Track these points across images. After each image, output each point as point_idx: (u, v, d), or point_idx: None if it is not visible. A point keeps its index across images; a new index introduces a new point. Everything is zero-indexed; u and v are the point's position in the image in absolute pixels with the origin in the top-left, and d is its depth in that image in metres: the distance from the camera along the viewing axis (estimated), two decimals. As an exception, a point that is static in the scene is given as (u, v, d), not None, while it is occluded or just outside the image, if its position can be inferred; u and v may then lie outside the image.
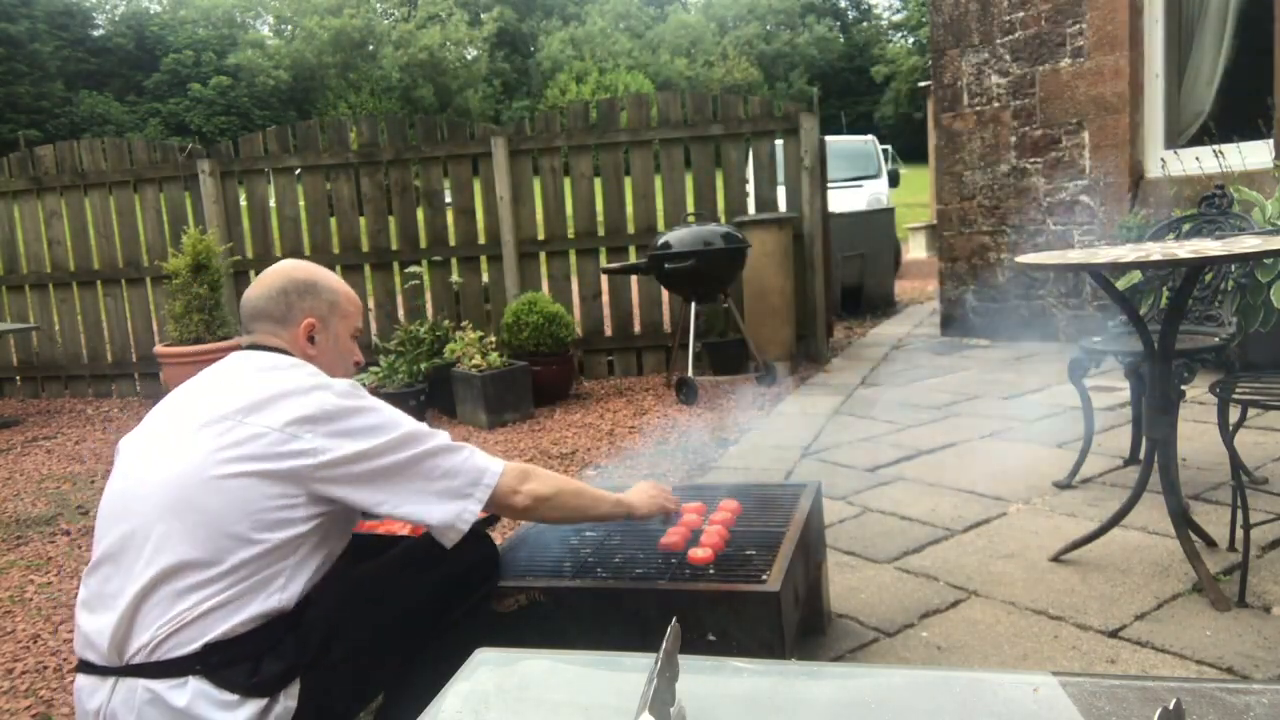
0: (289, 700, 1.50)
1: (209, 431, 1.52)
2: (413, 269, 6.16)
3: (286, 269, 1.77)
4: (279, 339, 1.72)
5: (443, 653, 1.62)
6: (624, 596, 1.86)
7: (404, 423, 1.61)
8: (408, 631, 1.67)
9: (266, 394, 1.55)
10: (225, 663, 1.46)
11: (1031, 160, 6.23)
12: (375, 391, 5.04)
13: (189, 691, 1.44)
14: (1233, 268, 3.40)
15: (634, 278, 6.00)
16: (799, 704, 0.94)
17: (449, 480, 1.62)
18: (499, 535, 3.18)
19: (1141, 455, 3.08)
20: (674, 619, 0.93)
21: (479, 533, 1.83)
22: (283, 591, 1.51)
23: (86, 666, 1.53)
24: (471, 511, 1.64)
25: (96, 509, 4.02)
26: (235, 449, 1.50)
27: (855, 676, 1.15)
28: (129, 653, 1.47)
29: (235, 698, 1.45)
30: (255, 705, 1.46)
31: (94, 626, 1.51)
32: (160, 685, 1.45)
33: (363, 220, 6.57)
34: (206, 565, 1.46)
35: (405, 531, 2.03)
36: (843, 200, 9.14)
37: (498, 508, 1.69)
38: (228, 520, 1.47)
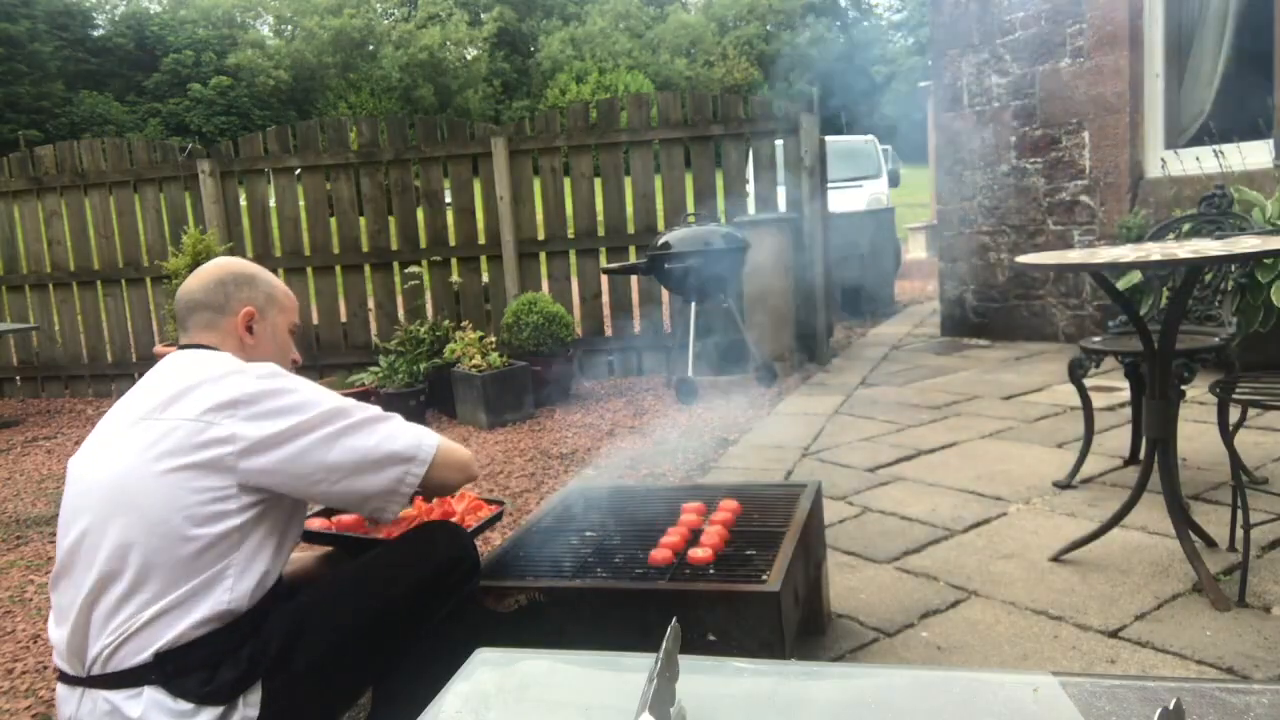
0: (248, 709, 1.46)
1: (133, 432, 1.50)
2: (413, 269, 6.16)
3: (223, 263, 1.75)
4: (215, 332, 1.67)
5: (433, 654, 1.62)
6: (624, 596, 1.86)
7: (327, 399, 1.55)
8: (380, 637, 1.62)
9: (181, 385, 1.51)
10: (179, 671, 1.43)
11: (1031, 160, 6.23)
12: (375, 391, 5.05)
13: (143, 702, 1.42)
14: (1233, 268, 3.40)
15: (634, 278, 6.00)
16: (799, 704, 0.94)
17: (384, 446, 1.56)
18: (499, 535, 3.18)
19: (1141, 455, 3.08)
20: (674, 619, 0.93)
21: (457, 532, 1.82)
22: (231, 591, 1.46)
23: (61, 675, 1.52)
24: (415, 475, 1.59)
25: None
26: (156, 446, 1.46)
27: (855, 676, 1.15)
28: (87, 663, 1.46)
29: (190, 706, 1.42)
30: (211, 713, 1.43)
31: (57, 637, 1.51)
32: (117, 696, 1.43)
33: (363, 220, 6.57)
34: (145, 568, 1.43)
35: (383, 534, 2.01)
36: (843, 200, 9.14)
37: (437, 475, 1.63)
38: (161, 519, 1.43)
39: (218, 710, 1.44)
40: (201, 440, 1.45)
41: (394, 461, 1.57)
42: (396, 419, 1.62)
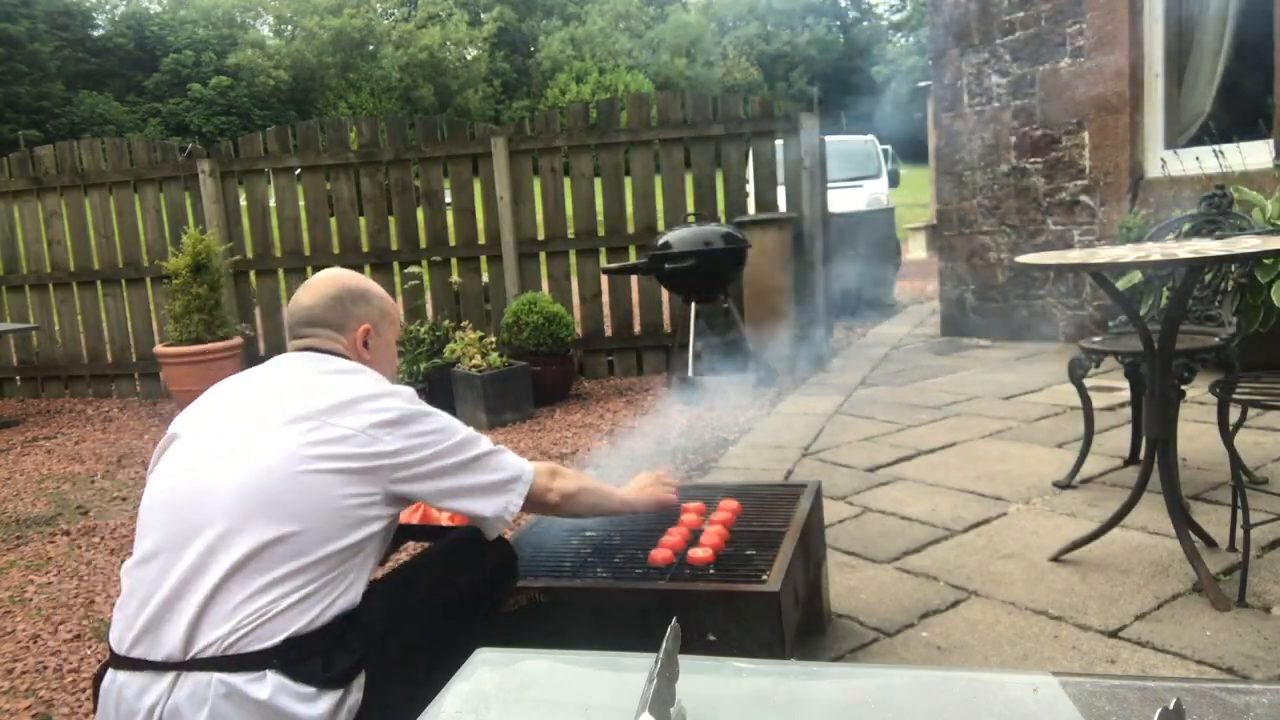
0: (358, 692, 1.55)
1: (292, 430, 1.56)
2: (413, 269, 6.16)
3: (339, 277, 1.85)
4: (336, 344, 1.78)
5: (432, 654, 1.64)
6: (624, 596, 1.87)
7: (460, 427, 1.74)
8: (447, 626, 1.73)
9: (346, 397, 1.62)
10: (301, 657, 1.48)
11: (1031, 160, 6.23)
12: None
13: (269, 685, 1.45)
14: (1233, 268, 3.40)
15: (634, 278, 6.00)
16: (799, 704, 0.94)
17: (495, 477, 1.75)
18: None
19: (1141, 455, 3.09)
20: (674, 619, 0.93)
21: (500, 536, 1.90)
22: (351, 589, 1.57)
23: (132, 663, 1.49)
24: (515, 505, 1.77)
25: (96, 509, 4.02)
26: (321, 448, 1.55)
27: (855, 676, 1.15)
28: (198, 646, 1.46)
29: (313, 690, 1.48)
30: (331, 698, 1.50)
31: (150, 619, 1.49)
32: (238, 679, 1.44)
33: (363, 220, 6.57)
34: (296, 557, 1.50)
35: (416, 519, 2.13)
36: (843, 200, 9.14)
37: (532, 503, 1.82)
38: (313, 515, 1.52)
39: (337, 694, 1.51)
40: (369, 451, 1.58)
41: (503, 490, 1.77)
42: (507, 452, 1.84)
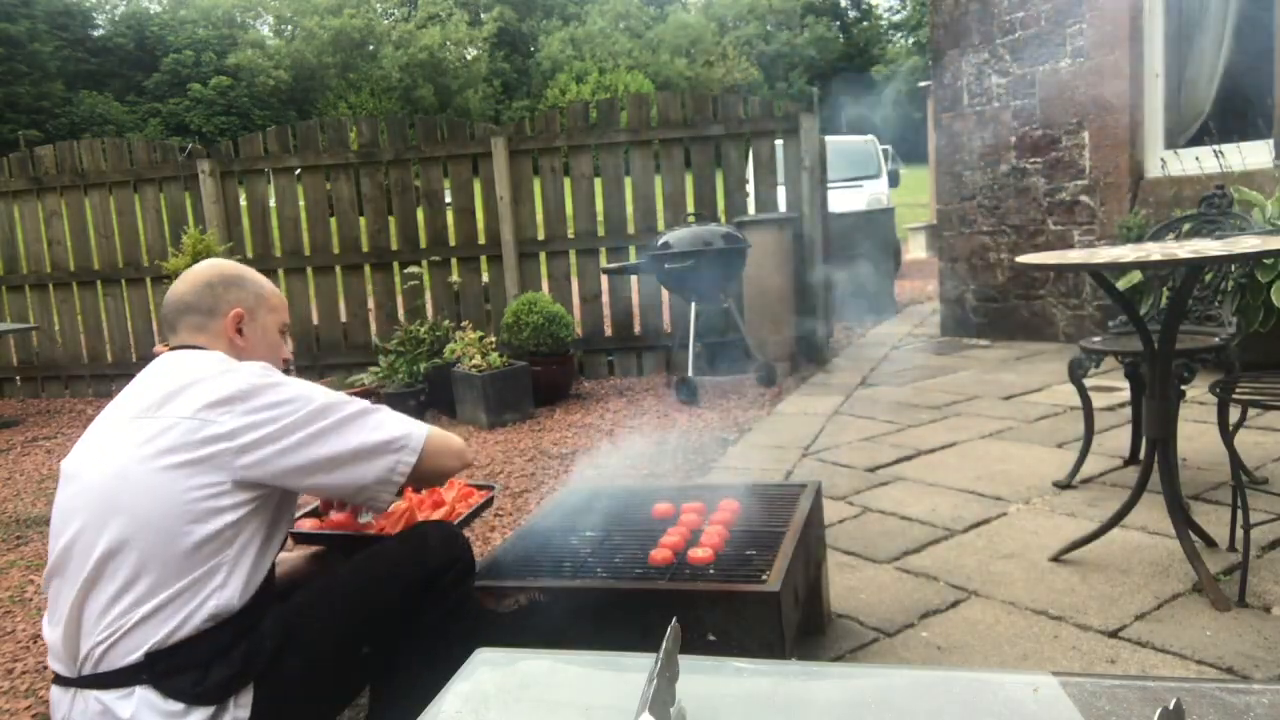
0: (239, 710, 1.47)
1: (127, 431, 1.51)
2: (413, 269, 6.16)
3: (212, 264, 1.76)
4: (205, 334, 1.68)
5: (432, 654, 1.62)
6: (624, 596, 1.86)
7: (318, 393, 1.58)
8: (374, 638, 1.63)
9: (176, 384, 1.52)
10: (171, 671, 1.43)
11: (1031, 160, 6.23)
12: (375, 391, 5.05)
13: (135, 701, 1.42)
14: (1233, 268, 3.40)
15: (634, 278, 6.00)
16: (799, 704, 0.94)
17: (375, 437, 1.59)
18: (499, 535, 3.18)
19: (1141, 455, 3.09)
20: (674, 619, 0.93)
21: (451, 533, 1.82)
22: (223, 589, 1.47)
23: (56, 676, 1.52)
24: (406, 463, 1.61)
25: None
26: (151, 444, 1.46)
27: (855, 676, 1.15)
28: (79, 662, 1.46)
29: (181, 706, 1.42)
30: (202, 714, 1.43)
31: (51, 637, 1.51)
32: (109, 696, 1.43)
33: (363, 220, 6.57)
34: (138, 565, 1.43)
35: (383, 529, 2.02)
36: (843, 200, 9.14)
37: (430, 463, 1.64)
38: (154, 516, 1.43)
39: (209, 710, 1.44)
40: (199, 437, 1.46)
41: (385, 451, 1.59)
42: (385, 410, 1.64)
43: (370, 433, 1.58)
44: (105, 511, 1.46)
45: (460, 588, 1.76)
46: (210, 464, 1.46)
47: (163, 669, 1.43)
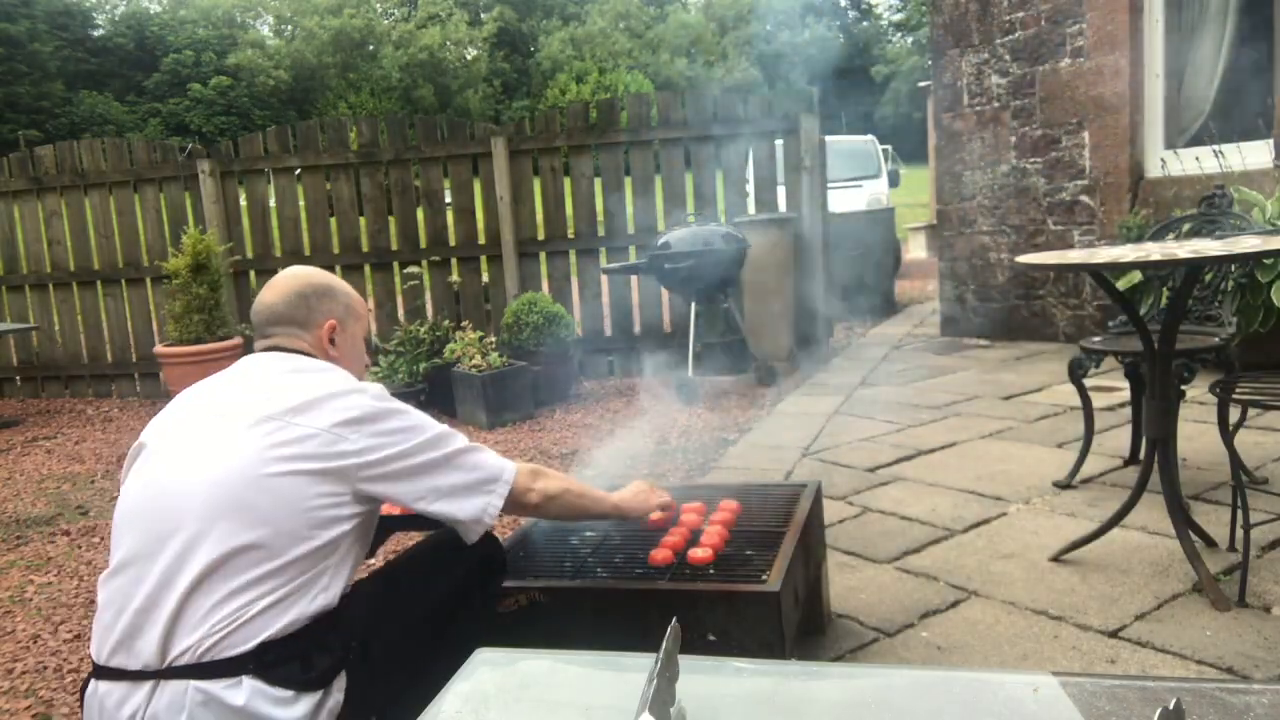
0: (338, 693, 1.54)
1: (256, 432, 1.54)
2: (413, 269, 6.16)
3: (301, 274, 1.81)
4: (301, 342, 1.75)
5: (432, 654, 1.63)
6: (624, 596, 1.87)
7: (431, 424, 1.69)
8: (433, 625, 1.73)
9: (310, 396, 1.59)
10: (278, 660, 1.47)
11: (1031, 160, 6.23)
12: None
13: (245, 690, 1.44)
14: (1233, 268, 3.40)
15: (634, 278, 6.00)
16: (799, 704, 0.94)
17: (473, 476, 1.69)
18: (499, 535, 3.18)
19: (1141, 455, 3.08)
20: (674, 619, 0.93)
21: (490, 530, 1.87)
22: (327, 590, 1.55)
23: (111, 672, 1.49)
24: (495, 506, 1.71)
25: (96, 509, 4.02)
26: (285, 449, 1.53)
27: (855, 676, 1.15)
28: (173, 654, 1.46)
29: (291, 694, 1.47)
30: (310, 700, 1.49)
31: (127, 628, 1.48)
32: (214, 685, 1.44)
33: (363, 220, 6.57)
34: (265, 561, 1.48)
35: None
36: (843, 200, 9.14)
37: (513, 504, 1.75)
38: (284, 517, 1.50)
39: (316, 696, 1.50)
40: (333, 450, 1.55)
41: (479, 490, 1.70)
42: (486, 450, 1.75)
43: (472, 470, 1.70)
44: (226, 508, 1.49)
45: (496, 580, 1.88)
46: (337, 476, 1.55)
47: (271, 659, 1.47)
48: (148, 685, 1.46)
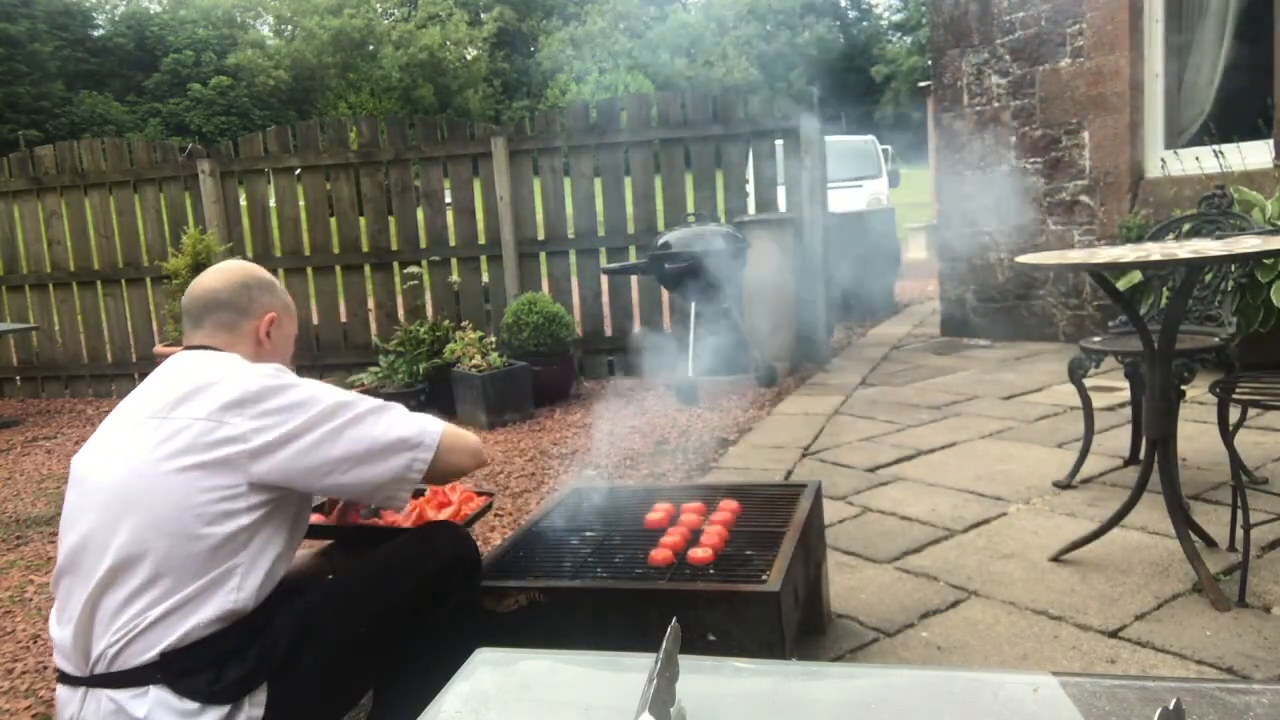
0: (254, 709, 1.47)
1: (142, 431, 1.50)
2: (413, 269, 6.16)
3: (243, 266, 1.77)
4: (232, 333, 1.68)
5: (434, 653, 1.62)
6: (624, 596, 1.86)
7: (330, 393, 1.57)
8: (384, 636, 1.63)
9: (191, 385, 1.52)
10: (186, 670, 1.43)
11: (1031, 160, 6.23)
12: (375, 391, 5.05)
13: (149, 701, 1.42)
14: (1233, 268, 3.40)
15: (634, 278, 6.00)
16: (799, 704, 0.94)
17: (391, 434, 1.57)
18: (496, 536, 3.18)
19: (1141, 455, 3.08)
20: (674, 619, 0.93)
21: (458, 531, 1.83)
22: (239, 590, 1.47)
23: (62, 676, 1.51)
24: (422, 460, 1.59)
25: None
26: (166, 444, 1.47)
27: (855, 676, 1.15)
28: (90, 662, 1.46)
29: (195, 706, 1.42)
30: (216, 713, 1.43)
31: (59, 636, 1.50)
32: (122, 695, 1.43)
33: (363, 220, 6.57)
34: (154, 567, 1.43)
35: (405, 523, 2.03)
36: (843, 200, 9.15)
37: (445, 459, 1.63)
38: (169, 517, 1.43)
39: (223, 710, 1.44)
40: (213, 439, 1.46)
41: (401, 448, 1.58)
42: (399, 408, 1.64)
43: (384, 431, 1.57)
44: (119, 512, 1.46)
45: (466, 586, 1.77)
46: (224, 466, 1.46)
47: (177, 668, 1.43)
48: (80, 691, 1.47)
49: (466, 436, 1.70)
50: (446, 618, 1.70)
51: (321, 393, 1.56)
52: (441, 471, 1.66)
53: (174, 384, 1.55)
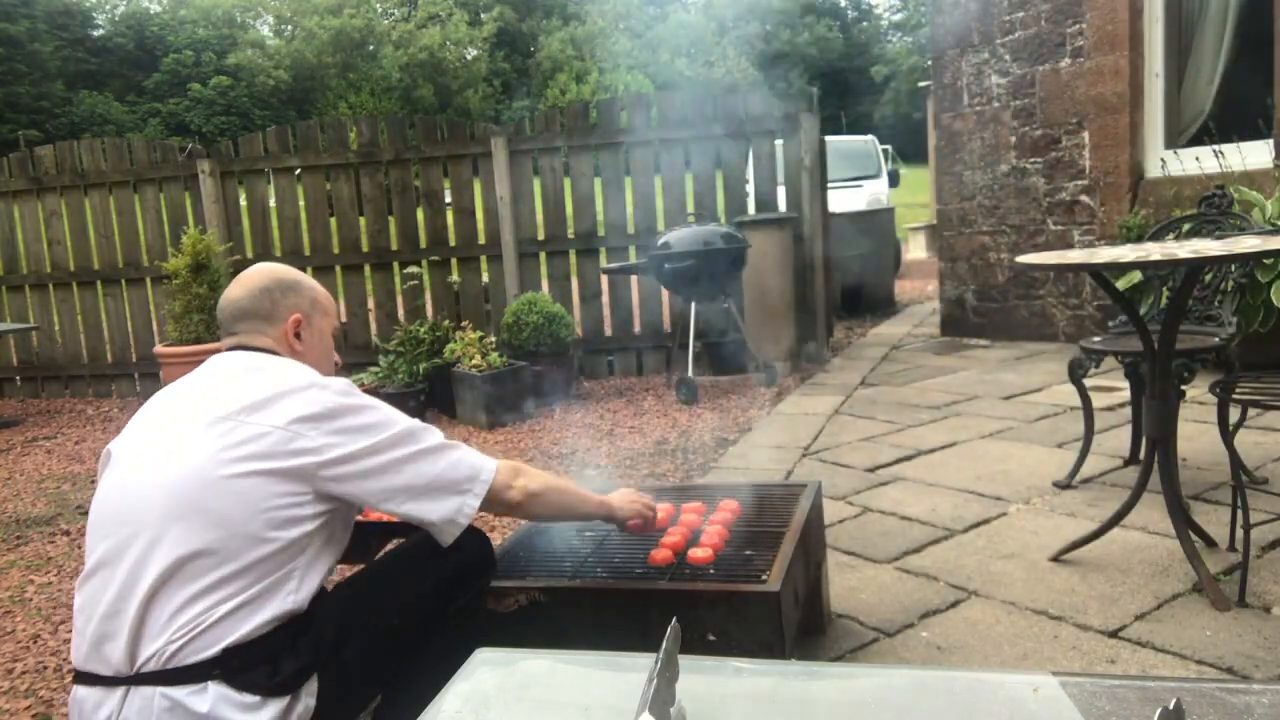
0: (309, 698, 1.51)
1: (211, 433, 1.51)
2: (413, 269, 6.16)
3: (266, 269, 1.79)
4: (265, 337, 1.72)
5: (438, 652, 1.63)
6: (624, 596, 1.86)
7: (401, 419, 1.62)
8: (414, 627, 1.69)
9: (266, 393, 1.55)
10: (244, 666, 1.45)
11: (1031, 160, 6.23)
12: (375, 391, 5.05)
13: (210, 696, 1.43)
14: (1233, 268, 3.40)
15: (634, 278, 6.00)
16: (799, 704, 0.94)
17: (447, 475, 1.63)
18: (497, 536, 3.18)
19: (1141, 455, 3.08)
20: (674, 619, 0.93)
21: (476, 529, 1.83)
22: (296, 592, 1.52)
23: (88, 678, 1.49)
24: (471, 506, 1.66)
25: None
26: (239, 449, 1.49)
27: (855, 676, 1.15)
28: (140, 660, 1.45)
29: (257, 699, 1.45)
30: (277, 705, 1.46)
31: (96, 634, 1.48)
32: (179, 692, 1.43)
33: (363, 220, 6.57)
34: (221, 565, 1.45)
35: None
36: (843, 200, 9.14)
37: (493, 503, 1.70)
38: (239, 520, 1.46)
39: (283, 702, 1.47)
40: (289, 449, 1.50)
41: (455, 490, 1.64)
42: (463, 447, 1.69)
43: (446, 469, 1.63)
44: (184, 511, 1.47)
45: (481, 581, 1.82)
46: (296, 475, 1.51)
47: (236, 664, 1.45)
48: (120, 691, 1.46)
49: (517, 473, 1.73)
50: (462, 614, 1.76)
51: (393, 416, 1.62)
52: (490, 509, 1.73)
53: (242, 387, 1.57)
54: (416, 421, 1.66)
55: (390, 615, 1.67)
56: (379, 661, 1.65)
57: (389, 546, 1.99)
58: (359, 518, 2.00)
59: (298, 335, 1.75)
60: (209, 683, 1.43)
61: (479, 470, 1.67)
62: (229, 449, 1.49)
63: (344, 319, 6.58)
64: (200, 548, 1.45)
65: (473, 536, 1.79)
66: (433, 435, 1.65)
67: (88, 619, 1.50)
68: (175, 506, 1.47)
